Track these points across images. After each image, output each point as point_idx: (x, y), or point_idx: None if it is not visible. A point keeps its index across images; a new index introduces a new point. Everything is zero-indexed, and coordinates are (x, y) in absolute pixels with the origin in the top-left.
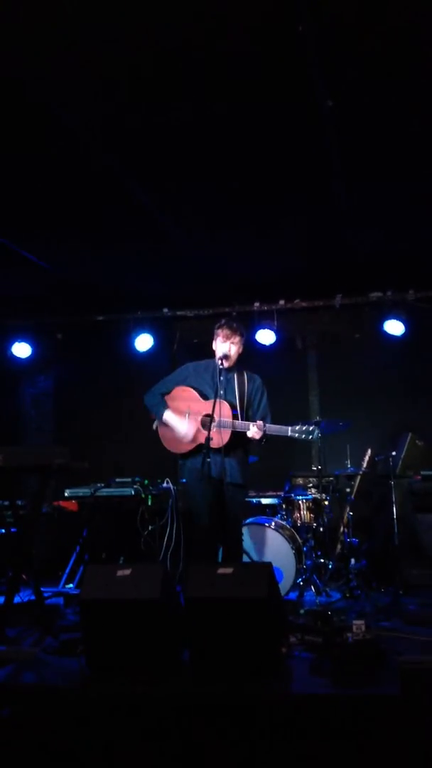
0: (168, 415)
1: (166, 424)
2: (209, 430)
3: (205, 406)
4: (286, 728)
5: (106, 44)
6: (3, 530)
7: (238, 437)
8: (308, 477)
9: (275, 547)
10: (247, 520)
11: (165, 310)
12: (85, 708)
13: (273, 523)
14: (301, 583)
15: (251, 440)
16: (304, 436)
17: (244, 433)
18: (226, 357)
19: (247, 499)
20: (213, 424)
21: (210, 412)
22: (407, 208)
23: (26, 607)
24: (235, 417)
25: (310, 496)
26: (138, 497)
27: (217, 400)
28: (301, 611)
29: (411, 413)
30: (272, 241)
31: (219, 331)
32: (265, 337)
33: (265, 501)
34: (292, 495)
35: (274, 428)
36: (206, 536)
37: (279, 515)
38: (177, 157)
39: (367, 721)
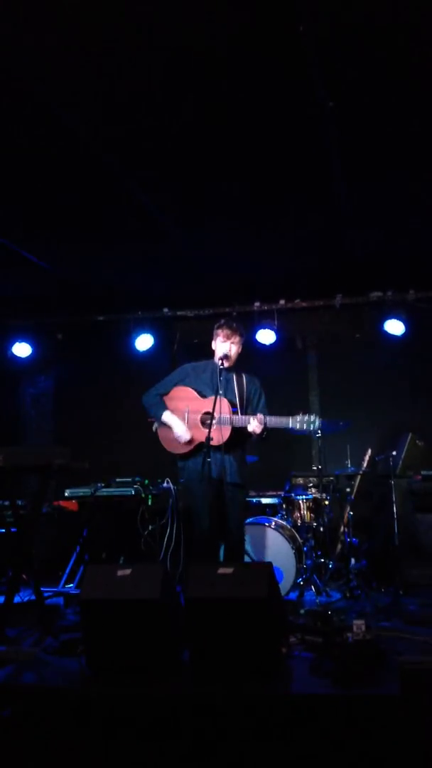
0: (167, 416)
1: (165, 425)
2: (210, 427)
3: (205, 404)
4: (286, 728)
5: (106, 44)
6: (3, 530)
7: (238, 435)
8: (308, 477)
9: (275, 547)
10: (248, 520)
11: (165, 310)
12: (86, 708)
13: (273, 523)
14: (302, 583)
15: (251, 437)
16: (305, 426)
17: (244, 431)
18: (226, 357)
19: (247, 499)
20: (213, 420)
21: (209, 409)
22: (407, 208)
23: (26, 607)
24: (234, 414)
25: (310, 496)
26: (138, 497)
27: (218, 397)
28: (302, 611)
29: (411, 413)
30: (272, 241)
31: (219, 330)
32: (266, 337)
33: (265, 501)
34: (293, 495)
35: (274, 420)
36: (206, 536)
37: (279, 515)
38: (177, 157)
39: (367, 721)
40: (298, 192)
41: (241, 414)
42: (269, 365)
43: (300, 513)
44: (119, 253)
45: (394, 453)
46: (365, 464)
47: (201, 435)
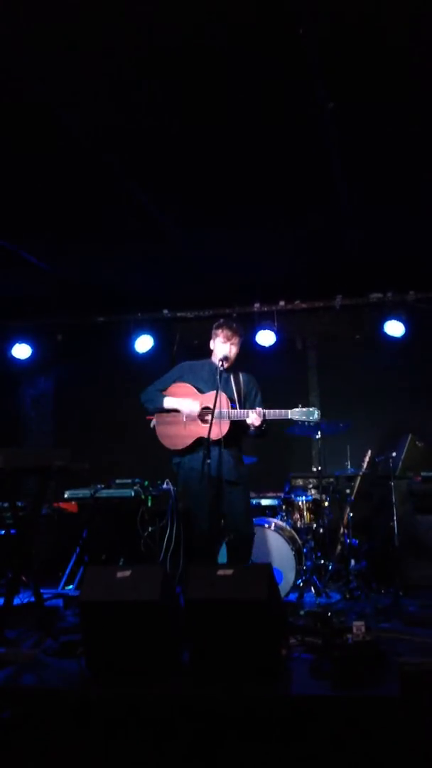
0: (169, 401)
1: (167, 413)
2: (210, 422)
3: (203, 400)
4: (286, 729)
5: (106, 44)
6: (3, 531)
7: (237, 429)
8: (308, 478)
9: (275, 549)
10: None
11: (165, 311)
12: (85, 710)
13: (273, 525)
14: (301, 585)
15: (249, 431)
16: (304, 417)
17: (243, 425)
18: (226, 359)
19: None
20: (216, 412)
21: (208, 404)
22: (407, 208)
23: (26, 609)
24: (233, 409)
25: (310, 497)
26: (138, 498)
27: (218, 393)
28: (301, 612)
29: (411, 414)
30: (272, 242)
31: (219, 331)
32: (265, 338)
33: (264, 502)
34: (292, 496)
35: (273, 413)
36: (206, 537)
37: (279, 516)
38: (177, 157)
39: (367, 723)
40: (298, 192)
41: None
42: (269, 366)
43: (300, 514)
44: (119, 254)
45: (393, 454)
46: (365, 465)
47: (200, 429)
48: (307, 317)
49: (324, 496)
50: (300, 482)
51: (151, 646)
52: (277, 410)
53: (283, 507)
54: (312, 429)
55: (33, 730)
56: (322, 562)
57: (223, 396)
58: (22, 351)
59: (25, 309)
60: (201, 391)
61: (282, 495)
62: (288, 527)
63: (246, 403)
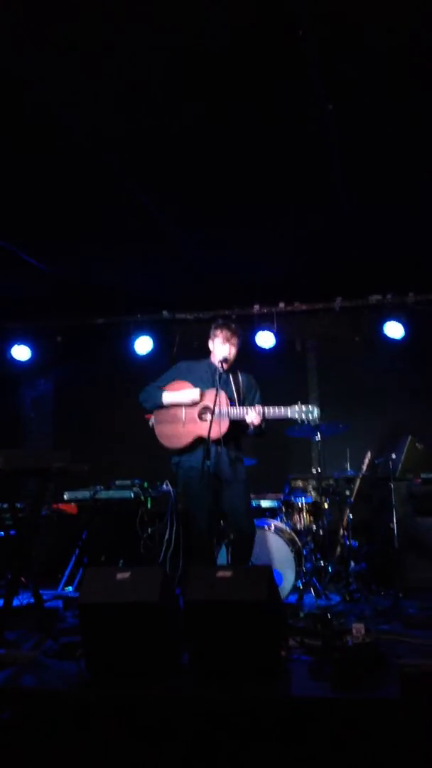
0: (168, 395)
1: (166, 410)
2: (210, 421)
3: (203, 398)
4: (286, 731)
5: (106, 44)
6: (2, 533)
7: (236, 428)
8: (308, 480)
9: (275, 550)
10: None
11: (164, 312)
12: (85, 711)
13: (272, 526)
14: (301, 586)
15: (248, 430)
16: (303, 415)
17: (242, 424)
18: (225, 360)
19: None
20: (216, 411)
21: (207, 403)
22: (407, 210)
23: (25, 610)
24: (232, 407)
25: (309, 499)
26: (137, 500)
27: (218, 391)
28: (301, 614)
29: (411, 416)
30: (272, 243)
31: (218, 332)
32: (265, 339)
33: (264, 504)
34: (292, 498)
35: (272, 411)
36: (205, 538)
37: (278, 518)
38: (177, 157)
39: (366, 725)
40: (298, 194)
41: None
42: (269, 368)
43: (299, 516)
44: (119, 255)
45: (393, 456)
46: (365, 467)
47: (199, 428)
48: (307, 319)
49: (324, 498)
50: (300, 484)
51: (151, 647)
52: (276, 408)
53: (283, 509)
54: (311, 431)
55: (33, 731)
56: (322, 563)
57: (223, 395)
58: (21, 352)
59: (25, 310)
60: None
61: (282, 497)
62: (288, 529)
63: (245, 403)
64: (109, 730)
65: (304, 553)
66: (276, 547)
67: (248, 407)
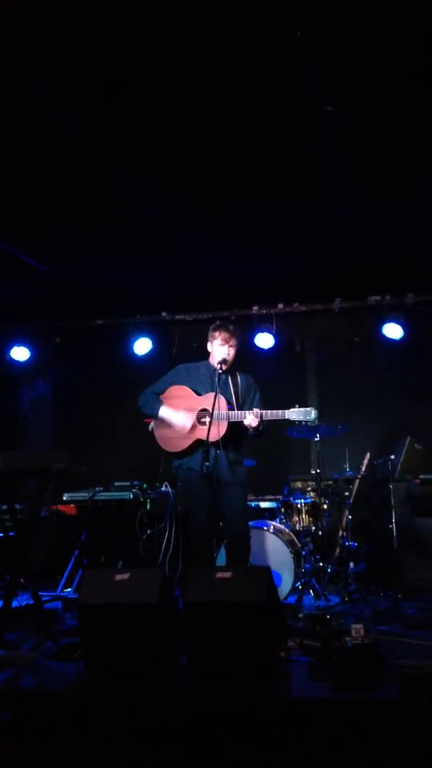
0: (164, 411)
1: (162, 421)
2: (209, 423)
3: (201, 401)
4: (285, 732)
5: (106, 44)
6: (1, 534)
7: (235, 430)
8: (307, 481)
9: (274, 551)
10: None
11: (164, 313)
12: (84, 712)
13: (271, 527)
14: (300, 587)
15: (247, 432)
16: (302, 417)
17: (241, 426)
18: (225, 362)
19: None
20: (214, 413)
21: (205, 406)
22: (407, 211)
23: (25, 612)
24: (230, 410)
25: (308, 500)
26: (137, 501)
27: (216, 395)
28: (300, 615)
29: (410, 417)
30: (271, 244)
31: (216, 333)
32: (264, 340)
33: (263, 505)
34: (291, 499)
35: (271, 413)
36: (204, 540)
37: (278, 519)
38: (177, 158)
39: (365, 726)
40: (297, 195)
41: (238, 409)
42: (268, 369)
43: (298, 517)
44: (118, 256)
45: (392, 457)
46: (364, 468)
47: (198, 431)
48: (306, 320)
49: (323, 499)
50: (299, 485)
51: (150, 648)
52: (274, 411)
53: (282, 510)
54: (311, 432)
55: (32, 732)
56: (321, 564)
57: (221, 398)
58: (20, 353)
59: (24, 311)
60: (198, 394)
61: (281, 498)
62: (287, 530)
63: (245, 404)
64: (109, 731)
65: (303, 553)
66: (275, 548)
67: (246, 411)
